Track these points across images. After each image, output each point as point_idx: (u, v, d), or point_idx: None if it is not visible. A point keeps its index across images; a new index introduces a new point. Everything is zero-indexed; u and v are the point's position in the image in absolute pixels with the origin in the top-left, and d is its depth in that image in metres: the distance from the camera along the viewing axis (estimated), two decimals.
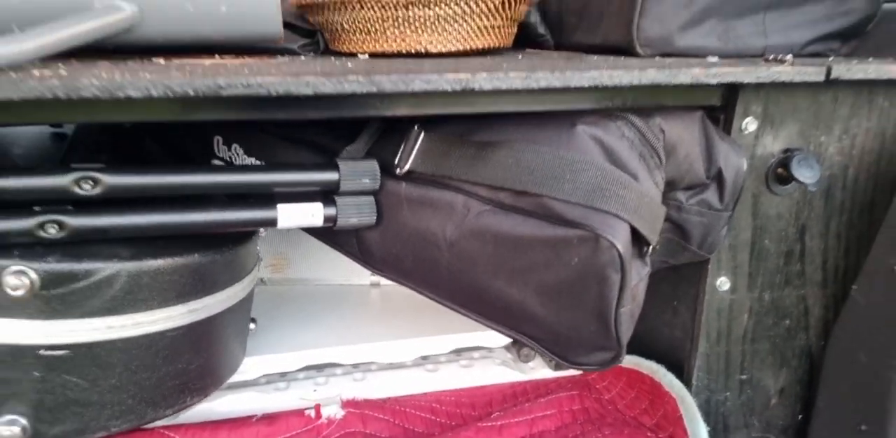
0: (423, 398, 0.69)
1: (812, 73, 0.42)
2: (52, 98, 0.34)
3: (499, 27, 0.57)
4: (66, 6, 0.43)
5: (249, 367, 0.63)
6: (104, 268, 0.44)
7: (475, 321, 0.50)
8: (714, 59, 0.52)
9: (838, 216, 0.51)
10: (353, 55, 0.57)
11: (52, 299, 0.43)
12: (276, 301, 0.77)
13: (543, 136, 0.42)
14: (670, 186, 0.46)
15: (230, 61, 0.48)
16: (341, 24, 0.56)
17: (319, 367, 0.69)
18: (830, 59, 0.53)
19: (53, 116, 0.38)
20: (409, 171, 0.48)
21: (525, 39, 0.68)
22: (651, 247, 0.42)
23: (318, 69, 0.40)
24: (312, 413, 0.64)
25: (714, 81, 0.41)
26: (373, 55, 0.56)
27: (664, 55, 0.54)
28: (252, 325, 0.64)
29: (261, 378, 0.66)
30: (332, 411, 0.64)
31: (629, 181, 0.40)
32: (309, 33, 0.60)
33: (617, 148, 0.41)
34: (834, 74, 0.42)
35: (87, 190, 0.42)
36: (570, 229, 0.39)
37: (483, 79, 0.38)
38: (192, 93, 0.35)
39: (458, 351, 0.73)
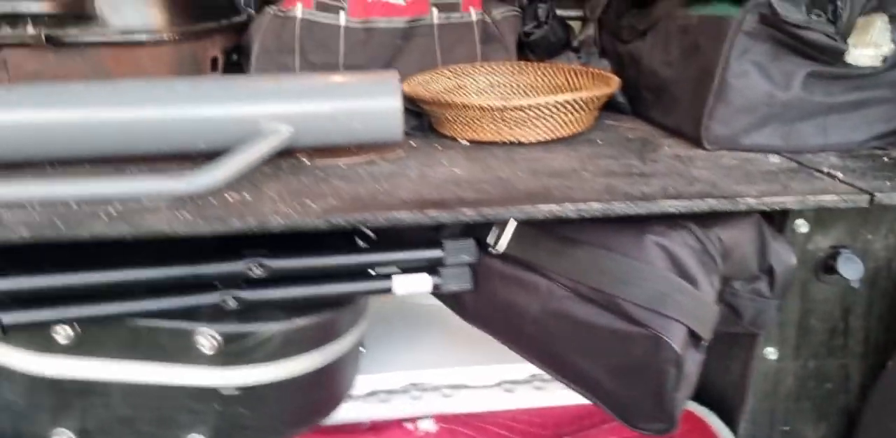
0: (502, 415, 0.80)
1: (857, 200, 0.48)
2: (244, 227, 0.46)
3: (583, 117, 0.65)
4: (238, 128, 0.55)
5: (359, 384, 0.76)
6: (267, 329, 0.57)
7: (551, 376, 0.60)
8: (776, 159, 0.58)
9: (881, 300, 0.58)
10: (454, 139, 0.67)
11: (229, 352, 0.57)
12: (380, 322, 0.89)
13: (617, 241, 0.51)
14: (726, 280, 0.54)
15: (361, 158, 0.60)
16: (445, 116, 0.65)
17: (416, 383, 0.82)
18: (885, 158, 0.57)
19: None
20: (504, 254, 0.58)
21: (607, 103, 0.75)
22: (706, 341, 0.50)
23: (434, 194, 0.50)
24: (411, 425, 0.78)
25: (766, 209, 0.49)
26: (471, 141, 0.66)
27: (730, 149, 0.61)
28: (362, 349, 0.77)
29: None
30: (428, 425, 0.77)
31: (689, 289, 0.49)
32: (417, 114, 0.70)
33: (680, 255, 0.50)
34: (877, 201, 0.48)
35: (256, 272, 0.55)
36: (636, 327, 0.49)
37: (570, 211, 0.47)
38: (344, 224, 0.46)
39: (534, 375, 0.83)
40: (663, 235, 0.51)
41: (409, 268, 0.62)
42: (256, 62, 0.81)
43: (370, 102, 0.56)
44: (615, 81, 0.68)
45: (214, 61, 0.82)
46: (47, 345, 0.54)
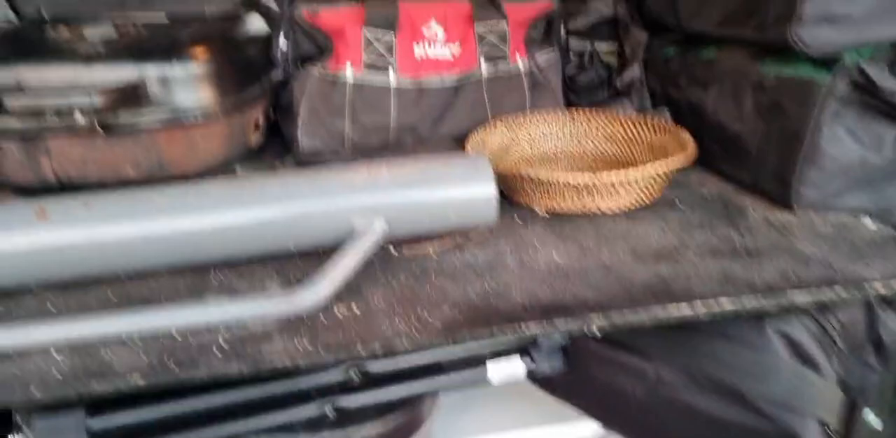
0: None
1: None
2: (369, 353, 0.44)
3: (664, 183, 0.64)
4: (331, 227, 0.53)
5: None
6: (363, 430, 0.56)
7: None
8: (871, 224, 0.58)
9: None
10: (530, 208, 0.65)
11: None
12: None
13: (734, 330, 0.50)
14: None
15: (448, 243, 0.58)
16: (523, 187, 0.63)
17: None
18: None
19: None
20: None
21: None
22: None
23: (548, 293, 0.49)
24: None
25: (892, 292, 0.48)
26: (550, 212, 0.64)
27: (818, 211, 0.60)
28: None
29: None
30: None
31: (817, 380, 0.48)
32: None
33: (802, 342, 0.49)
34: None
35: (355, 378, 0.54)
36: (768, 422, 0.48)
37: (702, 312, 0.46)
38: (470, 339, 0.45)
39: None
40: (783, 322, 0.50)
41: (499, 351, 0.60)
42: (305, 126, 0.78)
43: (465, 190, 0.54)
44: (687, 139, 0.66)
45: (257, 123, 0.80)
46: None
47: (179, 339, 0.45)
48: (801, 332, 0.49)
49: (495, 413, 0.81)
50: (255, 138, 0.79)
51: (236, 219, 0.51)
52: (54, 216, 0.49)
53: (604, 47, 0.91)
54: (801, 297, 0.46)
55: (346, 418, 0.54)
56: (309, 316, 0.47)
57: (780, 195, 0.61)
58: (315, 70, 0.78)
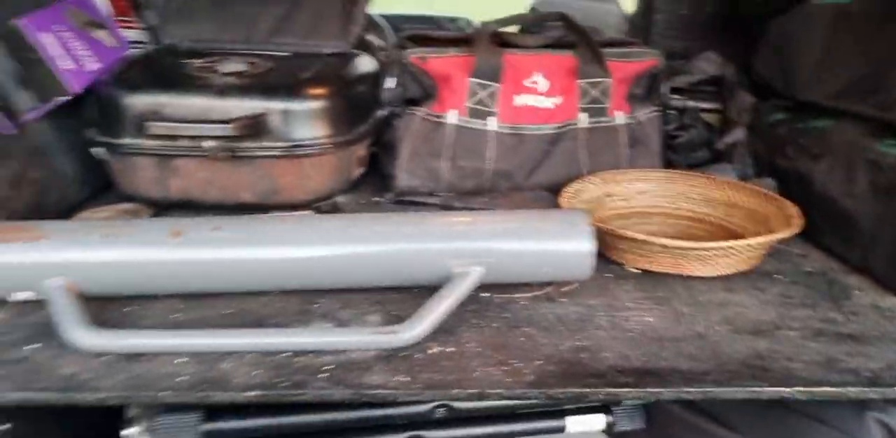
0: None
1: None
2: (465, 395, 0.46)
3: (763, 253, 0.63)
4: (430, 268, 0.55)
5: None
6: None
7: None
8: None
9: None
10: (621, 265, 0.66)
11: None
12: None
13: (832, 415, 0.49)
14: None
15: (538, 292, 0.59)
16: (615, 243, 0.64)
17: None
18: None
19: None
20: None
21: None
22: None
23: (641, 358, 0.49)
24: None
25: None
26: (642, 270, 0.64)
27: None
28: None
29: None
30: None
31: None
32: None
33: None
34: None
35: (441, 414, 0.55)
36: None
37: (801, 393, 0.45)
38: (562, 397, 0.45)
39: None
40: (885, 412, 0.48)
41: (581, 408, 0.61)
42: (405, 164, 0.82)
43: (563, 245, 0.55)
44: (794, 213, 0.65)
45: (360, 158, 0.84)
46: None
47: (288, 360, 0.48)
48: None
49: None
50: (357, 172, 0.84)
51: (346, 252, 0.55)
52: (187, 235, 0.54)
53: (706, 107, 0.91)
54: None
55: None
56: (405, 351, 0.49)
57: (893, 280, 0.59)
58: (420, 112, 0.82)
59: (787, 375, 0.47)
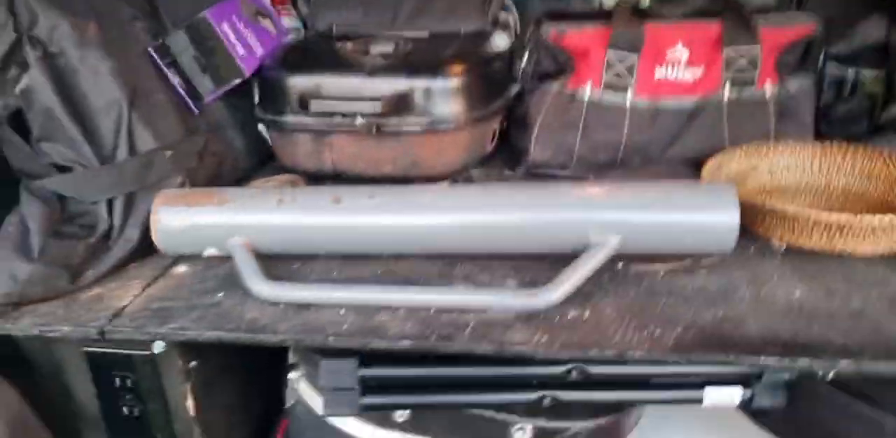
0: None
1: None
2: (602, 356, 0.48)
3: None
4: (570, 237, 0.57)
5: None
6: (573, 426, 0.59)
7: None
8: None
9: None
10: (767, 240, 0.63)
11: None
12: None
13: None
14: None
15: (678, 264, 0.59)
16: (763, 219, 0.62)
17: None
18: None
19: None
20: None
21: None
22: None
23: (789, 330, 0.48)
24: None
25: None
26: (790, 247, 0.62)
27: None
28: None
29: None
30: None
31: None
32: None
33: None
34: None
35: (574, 377, 0.57)
36: None
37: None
38: (705, 361, 0.46)
39: None
40: None
41: (718, 380, 0.60)
42: (538, 138, 0.83)
43: (707, 217, 0.55)
44: None
45: (494, 133, 0.87)
46: (387, 422, 0.61)
47: (435, 316, 0.53)
48: None
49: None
50: (490, 146, 0.87)
51: (487, 220, 0.58)
52: (346, 202, 0.60)
53: (869, 75, 0.83)
54: None
55: (561, 411, 0.58)
56: (545, 314, 0.52)
57: None
58: (554, 87, 0.82)
59: None
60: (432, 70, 0.77)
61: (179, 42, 0.73)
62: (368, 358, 0.54)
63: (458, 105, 0.78)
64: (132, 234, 0.63)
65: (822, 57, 0.82)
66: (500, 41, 0.91)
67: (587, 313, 0.52)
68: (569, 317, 0.52)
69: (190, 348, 0.61)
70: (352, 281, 0.59)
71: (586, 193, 0.58)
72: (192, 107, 0.73)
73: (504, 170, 0.86)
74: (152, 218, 0.61)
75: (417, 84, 0.77)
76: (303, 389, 0.68)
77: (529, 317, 0.52)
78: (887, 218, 0.55)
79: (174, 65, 0.72)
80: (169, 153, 0.66)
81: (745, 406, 0.59)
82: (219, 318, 0.55)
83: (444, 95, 0.77)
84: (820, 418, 0.56)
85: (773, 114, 0.79)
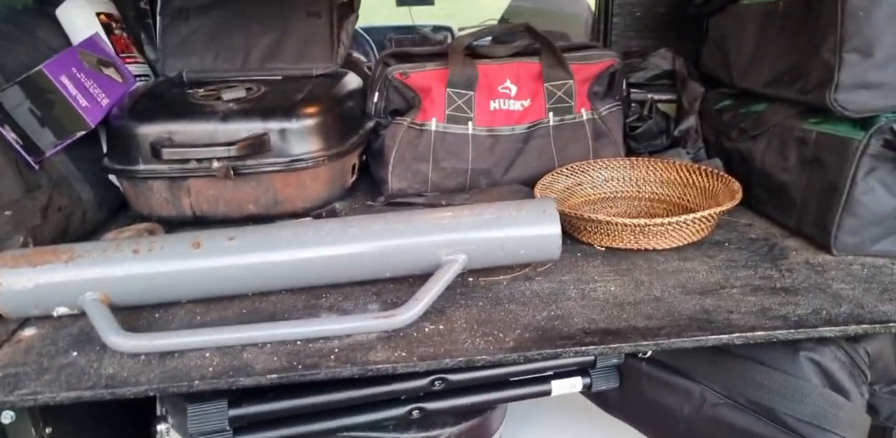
0: None
1: None
2: (454, 364, 0.54)
3: (712, 224, 0.71)
4: (422, 259, 0.64)
5: None
6: (442, 433, 0.65)
7: None
8: None
9: None
10: (590, 245, 0.74)
11: None
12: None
13: (770, 356, 0.57)
14: (869, 384, 0.59)
15: (517, 273, 0.67)
16: (585, 227, 0.73)
17: None
18: None
19: None
20: (650, 357, 0.65)
21: None
22: None
23: (605, 320, 0.57)
24: None
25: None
26: (608, 248, 0.73)
27: (856, 255, 0.66)
28: None
29: None
30: None
31: (845, 403, 0.54)
32: None
33: (832, 369, 0.56)
34: None
35: (438, 387, 0.63)
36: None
37: (737, 338, 0.53)
38: (539, 358, 0.54)
39: None
40: (815, 351, 0.56)
41: (562, 372, 0.69)
42: (394, 169, 0.90)
43: (534, 230, 0.64)
44: (737, 188, 0.74)
45: (353, 167, 0.93)
46: None
47: (302, 346, 0.56)
48: (833, 362, 0.56)
49: (556, 427, 0.89)
50: (350, 179, 0.92)
51: (346, 251, 0.63)
52: (205, 246, 0.63)
53: (663, 98, 1.00)
54: (827, 331, 0.53)
55: (430, 421, 0.64)
56: (404, 331, 0.58)
57: (821, 240, 0.68)
58: (404, 121, 0.90)
59: (727, 325, 0.55)
60: (286, 112, 0.81)
61: (13, 97, 0.72)
62: (239, 397, 0.55)
63: (315, 143, 0.83)
64: None
65: (624, 85, 0.97)
66: (353, 80, 0.97)
67: (441, 326, 0.59)
68: (426, 331, 0.58)
69: (45, 413, 0.58)
70: (216, 323, 0.60)
71: (433, 218, 0.64)
72: (32, 163, 0.72)
73: (367, 200, 0.92)
74: None
75: (272, 126, 0.80)
76: None
77: (389, 336, 0.57)
78: (674, 219, 0.67)
79: (8, 120, 0.70)
80: (7, 213, 0.65)
81: (587, 391, 0.69)
82: (74, 378, 0.53)
83: (300, 135, 0.82)
84: (643, 391, 0.66)
85: (590, 135, 0.92)
